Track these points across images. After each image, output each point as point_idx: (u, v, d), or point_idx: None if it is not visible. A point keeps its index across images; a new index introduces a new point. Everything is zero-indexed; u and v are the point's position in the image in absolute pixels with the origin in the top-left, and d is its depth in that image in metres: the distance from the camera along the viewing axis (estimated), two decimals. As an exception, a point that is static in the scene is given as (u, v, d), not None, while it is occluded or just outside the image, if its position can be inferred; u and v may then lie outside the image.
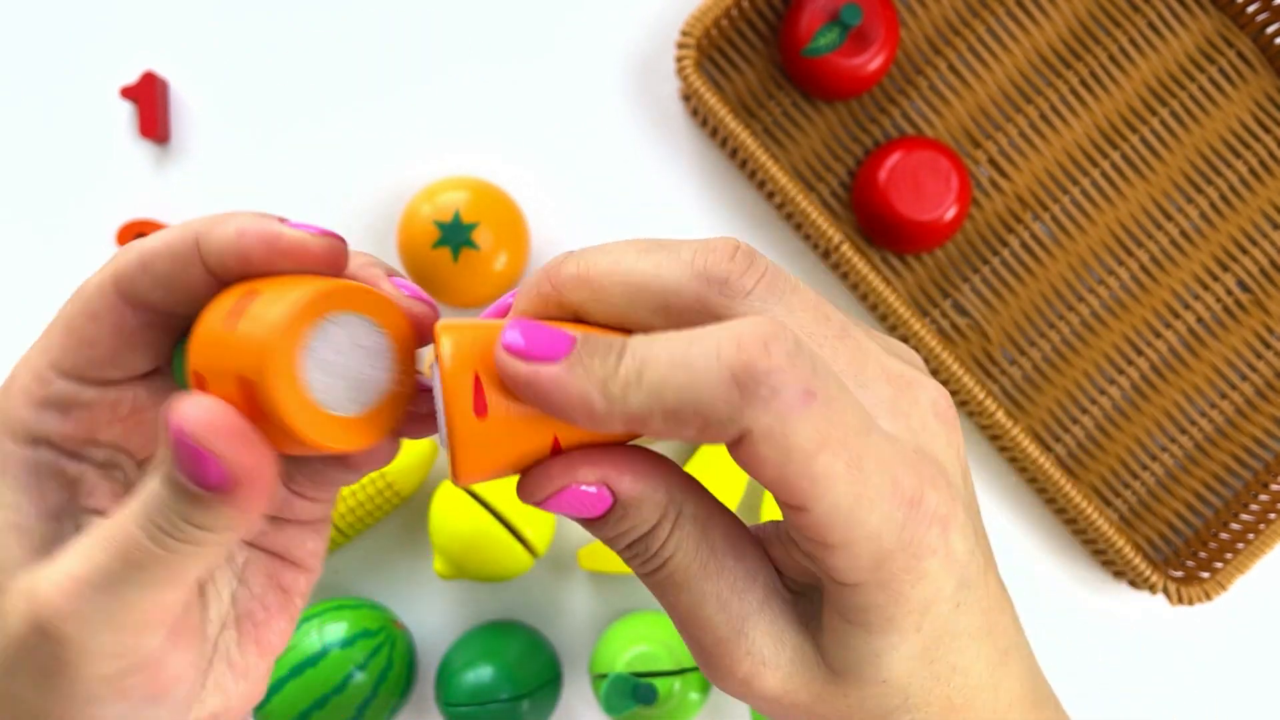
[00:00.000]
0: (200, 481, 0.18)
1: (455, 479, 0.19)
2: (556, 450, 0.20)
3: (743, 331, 0.17)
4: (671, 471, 0.20)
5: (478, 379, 0.19)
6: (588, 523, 0.20)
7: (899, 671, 0.19)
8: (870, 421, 0.18)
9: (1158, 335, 0.57)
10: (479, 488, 0.51)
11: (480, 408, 0.19)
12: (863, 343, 0.20)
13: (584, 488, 0.19)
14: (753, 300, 0.19)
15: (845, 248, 0.52)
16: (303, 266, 0.20)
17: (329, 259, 0.21)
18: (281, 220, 0.21)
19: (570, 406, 0.18)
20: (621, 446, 0.20)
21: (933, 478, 0.19)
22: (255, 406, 0.18)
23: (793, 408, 0.17)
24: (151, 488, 0.19)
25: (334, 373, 0.19)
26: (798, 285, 0.20)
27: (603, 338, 0.18)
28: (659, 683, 0.49)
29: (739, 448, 0.18)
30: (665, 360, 0.18)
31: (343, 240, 0.21)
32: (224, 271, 0.20)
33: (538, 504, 0.20)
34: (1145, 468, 0.57)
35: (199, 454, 0.18)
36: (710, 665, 0.20)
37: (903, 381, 0.20)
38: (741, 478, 0.54)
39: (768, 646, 0.20)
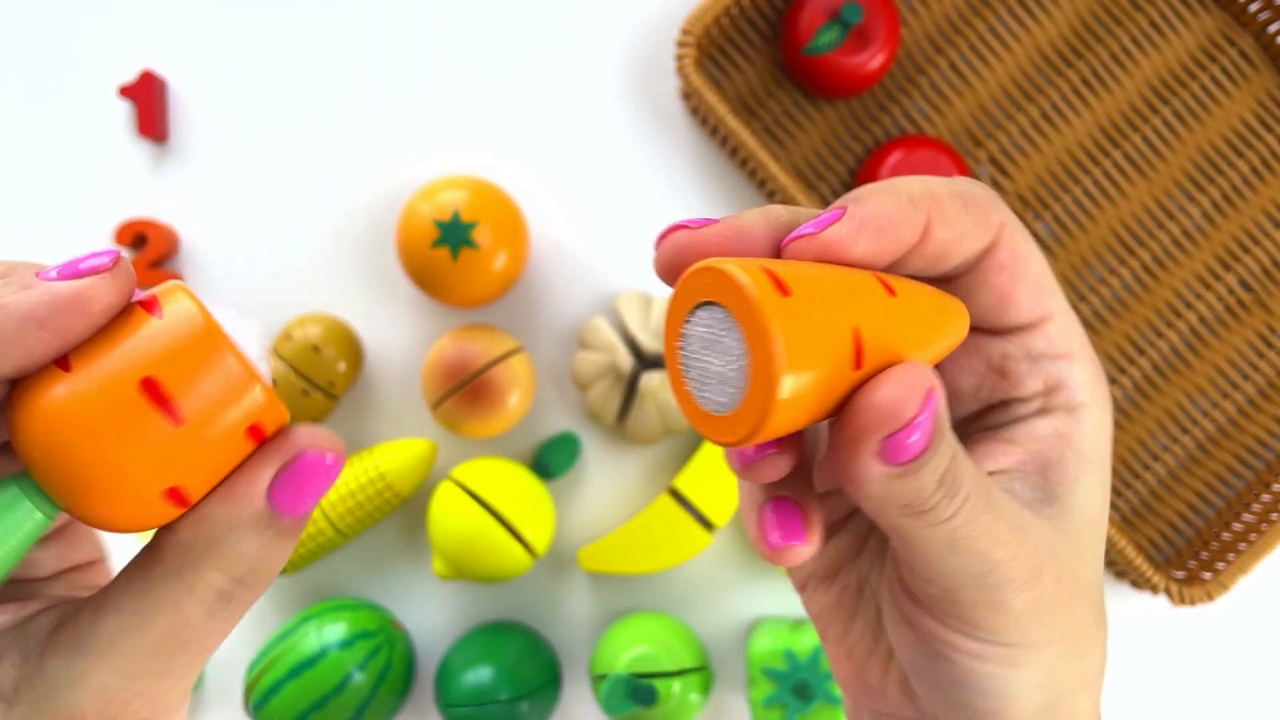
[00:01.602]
0: None
1: (775, 388, 0.16)
2: (859, 354, 0.18)
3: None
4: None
5: (768, 271, 0.17)
6: (902, 464, 0.18)
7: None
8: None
9: (1159, 335, 0.57)
10: (477, 487, 0.51)
11: (782, 288, 0.17)
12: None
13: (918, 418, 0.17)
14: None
15: (846, 247, 0.51)
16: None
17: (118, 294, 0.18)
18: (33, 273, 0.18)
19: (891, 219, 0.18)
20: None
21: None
22: None
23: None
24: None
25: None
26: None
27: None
28: (658, 684, 0.49)
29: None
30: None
31: (106, 269, 0.18)
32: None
33: (906, 425, 0.17)
34: (1147, 468, 0.57)
35: None
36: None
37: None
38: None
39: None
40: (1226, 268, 0.57)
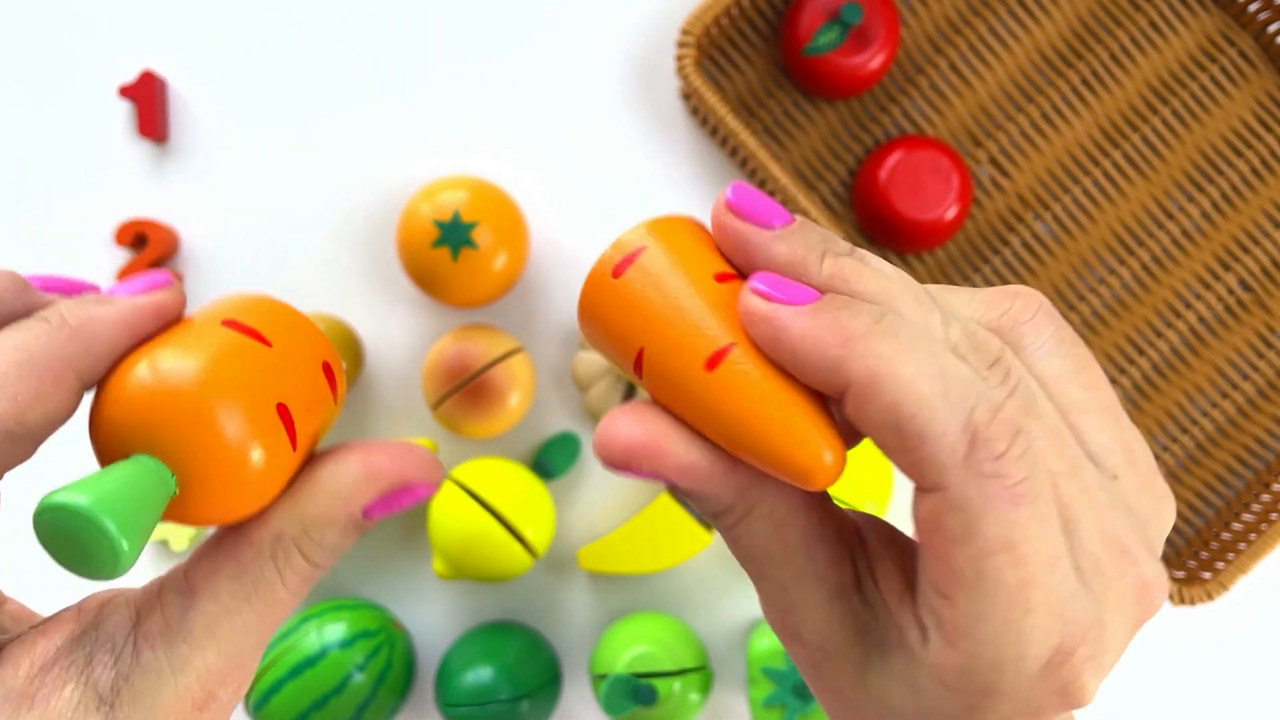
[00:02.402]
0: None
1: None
2: (638, 363, 0.20)
3: (1004, 404, 0.17)
4: (748, 474, 0.20)
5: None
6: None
7: None
8: (1059, 560, 0.17)
9: (1159, 335, 0.57)
10: (478, 487, 0.51)
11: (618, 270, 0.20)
12: (1094, 494, 0.19)
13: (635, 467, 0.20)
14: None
15: (846, 247, 0.51)
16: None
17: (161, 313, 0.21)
18: (79, 289, 0.21)
19: (805, 338, 0.18)
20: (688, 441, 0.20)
21: (1089, 657, 0.18)
22: None
23: (1000, 500, 0.17)
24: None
25: None
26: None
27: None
28: (659, 683, 0.49)
29: (928, 495, 0.17)
30: (924, 360, 0.17)
31: (170, 284, 0.21)
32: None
33: (608, 446, 0.20)
34: (1147, 468, 0.57)
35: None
36: (773, 626, 0.21)
37: (1116, 549, 0.18)
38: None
39: (816, 634, 0.20)
40: (1226, 268, 0.57)
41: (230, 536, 0.20)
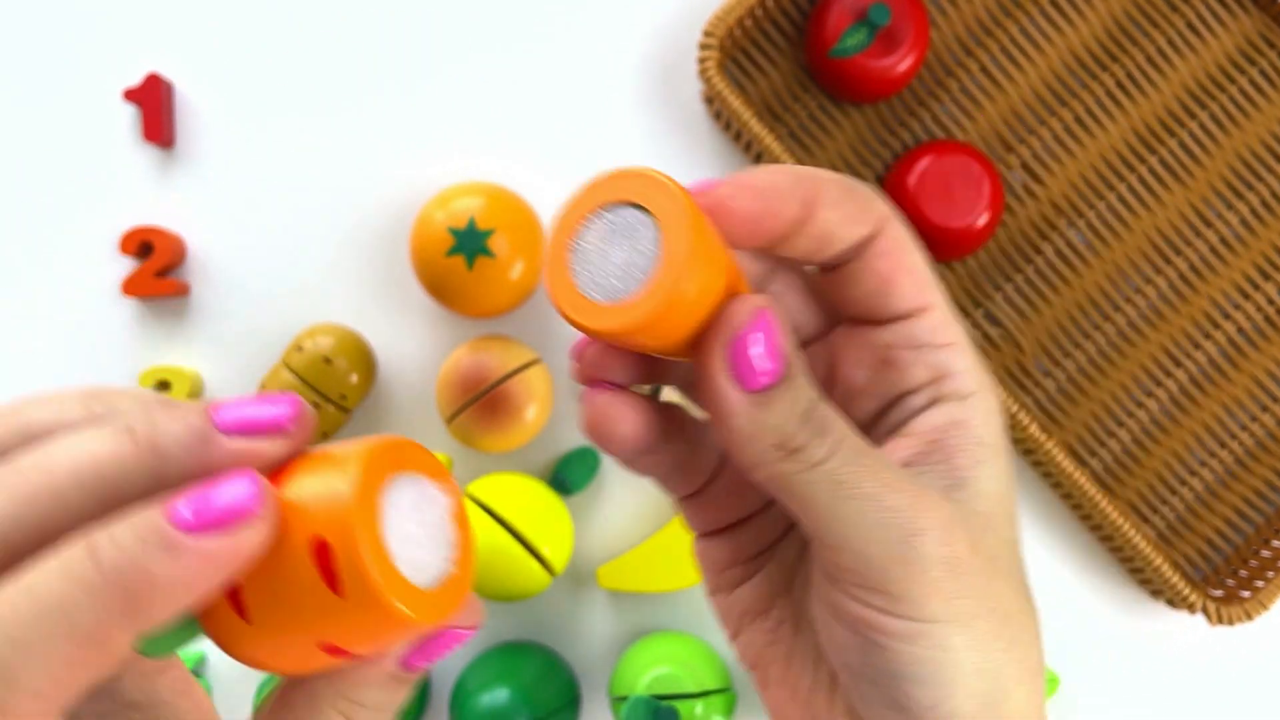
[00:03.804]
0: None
1: (681, 275, 0.18)
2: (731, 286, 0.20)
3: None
4: None
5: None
6: (760, 389, 0.20)
7: None
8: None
9: (1197, 346, 0.55)
10: (494, 503, 0.50)
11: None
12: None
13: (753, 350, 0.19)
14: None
15: (875, 256, 0.50)
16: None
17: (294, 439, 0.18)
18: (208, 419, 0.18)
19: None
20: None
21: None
22: (330, 573, 0.17)
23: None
24: None
25: (409, 538, 0.18)
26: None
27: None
28: (681, 706, 0.48)
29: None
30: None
31: (295, 410, 0.18)
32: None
33: (742, 333, 0.20)
34: (1184, 483, 0.55)
35: None
36: (879, 583, 0.20)
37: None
38: None
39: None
40: (1266, 276, 0.56)
41: (284, 690, 0.20)
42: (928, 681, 0.20)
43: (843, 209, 0.21)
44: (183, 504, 0.16)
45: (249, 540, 0.16)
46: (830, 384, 0.24)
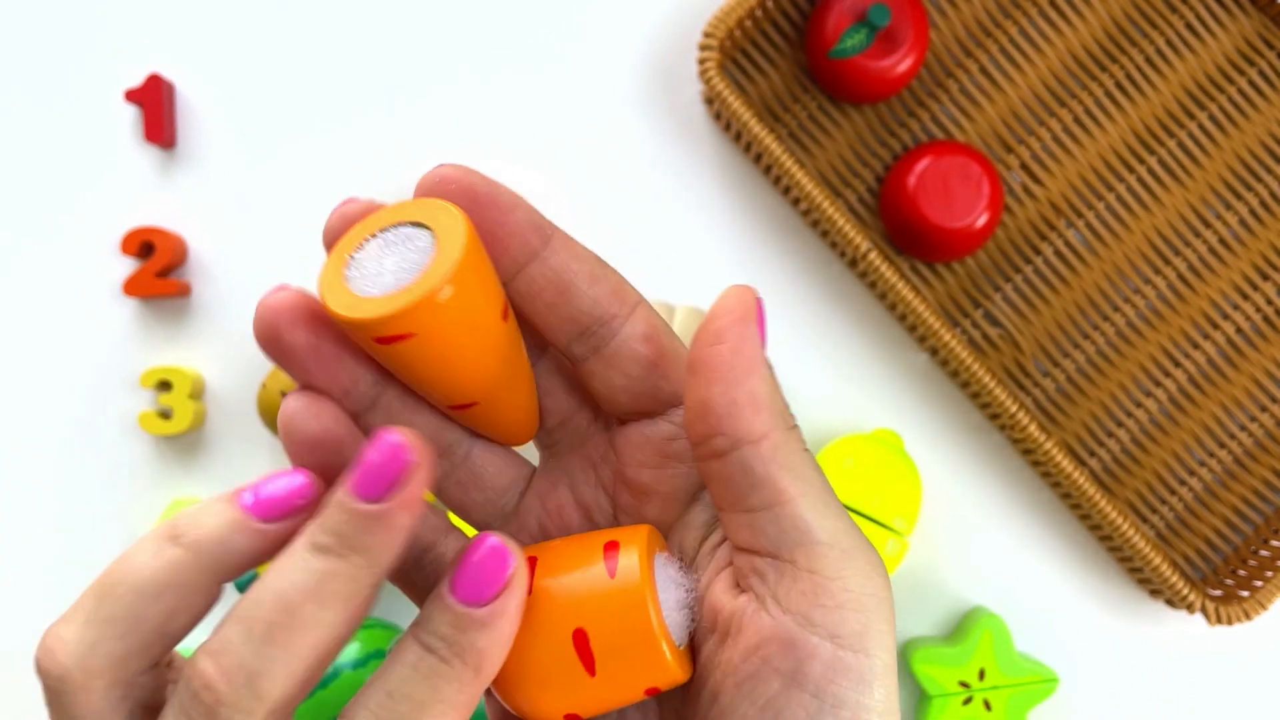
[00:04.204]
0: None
1: (447, 274, 0.19)
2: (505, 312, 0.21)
3: None
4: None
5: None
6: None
7: None
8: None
9: (1196, 346, 0.55)
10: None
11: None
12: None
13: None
14: None
15: (873, 256, 0.50)
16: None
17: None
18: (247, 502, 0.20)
19: None
20: None
21: None
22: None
23: None
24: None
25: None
26: None
27: None
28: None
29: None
30: None
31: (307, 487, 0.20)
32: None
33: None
34: (1183, 483, 0.55)
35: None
36: None
37: None
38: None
39: None
40: (1265, 277, 0.55)
41: None
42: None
43: (585, 257, 0.23)
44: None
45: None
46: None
